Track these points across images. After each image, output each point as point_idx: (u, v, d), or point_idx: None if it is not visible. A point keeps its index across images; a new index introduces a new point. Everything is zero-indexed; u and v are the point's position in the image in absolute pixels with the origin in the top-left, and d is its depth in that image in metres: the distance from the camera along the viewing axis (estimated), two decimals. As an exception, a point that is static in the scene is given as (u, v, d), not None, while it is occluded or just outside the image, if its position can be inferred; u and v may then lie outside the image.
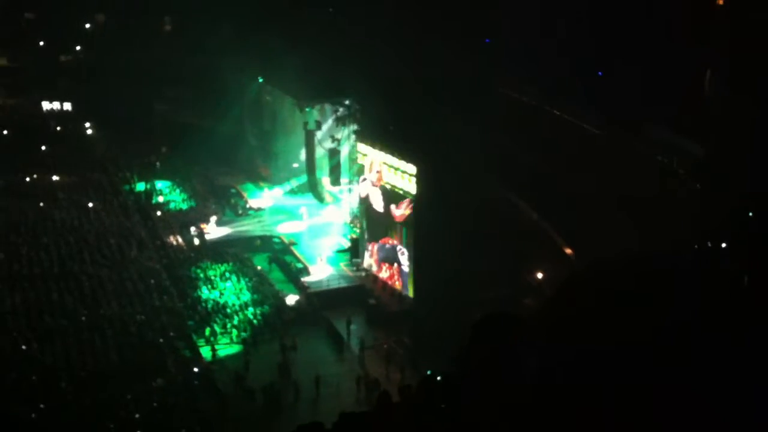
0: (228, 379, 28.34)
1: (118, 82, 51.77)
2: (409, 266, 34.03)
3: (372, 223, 36.51)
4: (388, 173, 34.52)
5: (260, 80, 46.78)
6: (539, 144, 33.97)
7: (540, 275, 31.92)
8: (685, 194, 29.58)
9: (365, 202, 36.59)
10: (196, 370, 28.32)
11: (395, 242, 34.99)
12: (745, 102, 26.92)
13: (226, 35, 45.75)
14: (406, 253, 34.20)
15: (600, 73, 34.99)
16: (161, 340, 29.90)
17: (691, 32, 29.46)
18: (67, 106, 58.02)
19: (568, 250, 31.95)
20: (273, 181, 46.76)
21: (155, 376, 27.42)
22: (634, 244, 26.16)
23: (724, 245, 26.07)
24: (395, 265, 35.07)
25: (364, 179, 36.31)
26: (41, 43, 62.17)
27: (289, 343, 30.53)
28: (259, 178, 48.25)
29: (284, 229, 41.86)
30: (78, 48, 62.65)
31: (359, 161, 36.68)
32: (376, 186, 35.47)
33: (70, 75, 59.26)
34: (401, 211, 34.18)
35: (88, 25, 63.55)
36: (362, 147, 36.33)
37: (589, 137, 34.04)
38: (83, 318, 31.22)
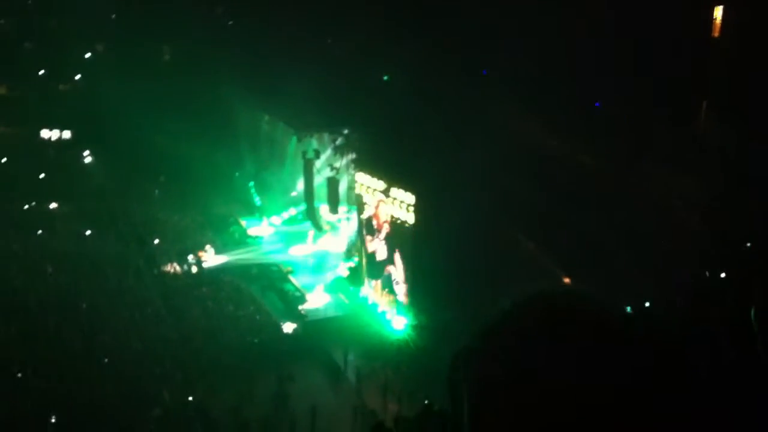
0: (223, 409, 28.15)
1: (117, 111, 51.92)
2: (406, 296, 33.98)
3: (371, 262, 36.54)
4: (386, 205, 34.58)
5: (265, 116, 46.99)
6: (538, 175, 34.02)
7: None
8: (684, 225, 29.59)
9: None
10: (191, 399, 28.16)
11: (391, 271, 34.98)
12: (741, 135, 27.03)
13: (225, 66, 46.04)
14: (401, 283, 34.18)
15: (597, 104, 35.12)
16: (158, 370, 29.77)
17: (689, 66, 29.61)
18: (66, 134, 58.17)
19: (567, 280, 31.89)
20: (271, 209, 46.81)
21: (152, 406, 27.27)
22: (631, 276, 26.16)
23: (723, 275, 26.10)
24: (391, 294, 35.06)
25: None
26: (41, 72, 62.37)
27: (285, 372, 30.38)
28: (258, 206, 48.31)
29: (293, 251, 41.83)
30: (77, 77, 62.89)
31: (357, 191, 36.77)
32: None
33: (69, 103, 59.41)
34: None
35: (88, 55, 63.82)
36: (361, 177, 36.44)
37: (586, 170, 34.10)
38: (79, 347, 31.13)
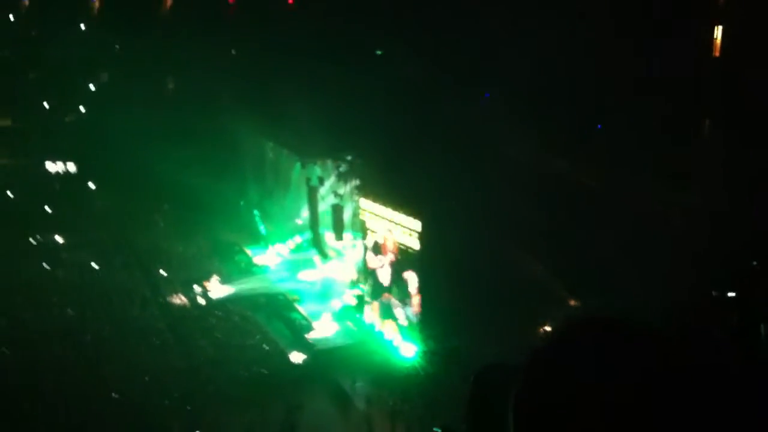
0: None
1: (122, 141, 52.15)
2: (406, 320, 33.89)
3: (374, 283, 36.47)
4: (390, 232, 34.55)
5: (269, 143, 47.13)
6: (543, 196, 33.97)
7: (547, 329, 31.67)
8: (689, 243, 29.47)
9: (373, 273, 36.49)
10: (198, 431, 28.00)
11: (389, 297, 34.90)
12: (745, 152, 26.99)
13: (228, 93, 46.22)
14: (399, 307, 34.10)
15: (600, 126, 35.16)
16: (166, 402, 29.61)
17: (690, 84, 29.65)
18: (71, 165, 58.40)
19: (573, 303, 31.75)
20: (276, 237, 46.79)
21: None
22: (638, 296, 25.99)
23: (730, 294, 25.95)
24: (392, 320, 34.95)
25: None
26: (45, 104, 62.76)
27: (294, 401, 30.20)
28: (263, 234, 48.29)
29: (300, 276, 41.67)
30: (82, 108, 63.26)
31: (362, 217, 36.74)
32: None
33: (74, 135, 59.72)
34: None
35: (92, 86, 64.23)
36: (365, 203, 36.43)
37: (590, 189, 34.05)
38: (85, 379, 31.01)
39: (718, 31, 30.73)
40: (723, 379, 1.72)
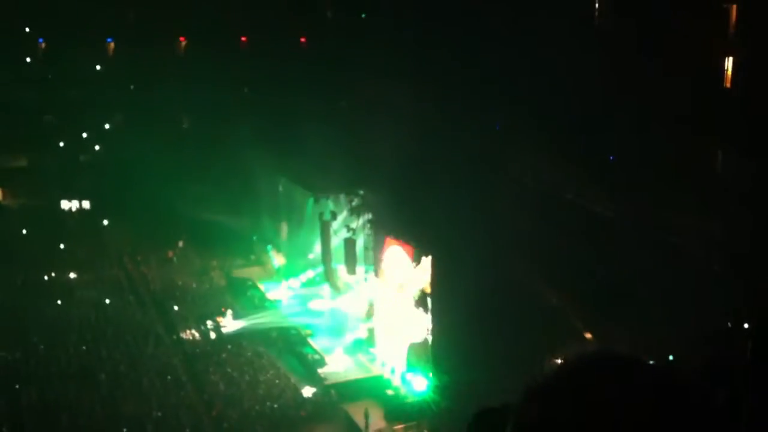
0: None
1: (136, 179, 52.55)
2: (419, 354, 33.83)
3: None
4: (403, 268, 34.58)
5: (282, 179, 47.38)
6: (557, 229, 33.83)
7: (560, 361, 31.32)
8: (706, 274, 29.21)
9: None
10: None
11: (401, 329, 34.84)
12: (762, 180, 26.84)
13: (242, 130, 46.58)
14: (412, 341, 34.12)
15: (612, 158, 35.08)
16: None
17: (704, 114, 29.61)
18: (86, 204, 58.80)
19: (588, 335, 31.47)
20: (289, 271, 46.78)
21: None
22: (653, 328, 25.75)
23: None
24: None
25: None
26: (60, 144, 63.36)
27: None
28: (276, 269, 48.30)
29: (313, 306, 41.64)
30: (97, 147, 63.84)
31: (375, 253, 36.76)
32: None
33: (89, 173, 60.20)
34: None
35: (107, 126, 64.87)
36: (379, 239, 36.45)
37: (606, 221, 33.88)
38: (100, 416, 30.96)
39: (729, 62, 30.78)
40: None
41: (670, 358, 25.47)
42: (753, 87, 29.10)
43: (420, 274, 33.48)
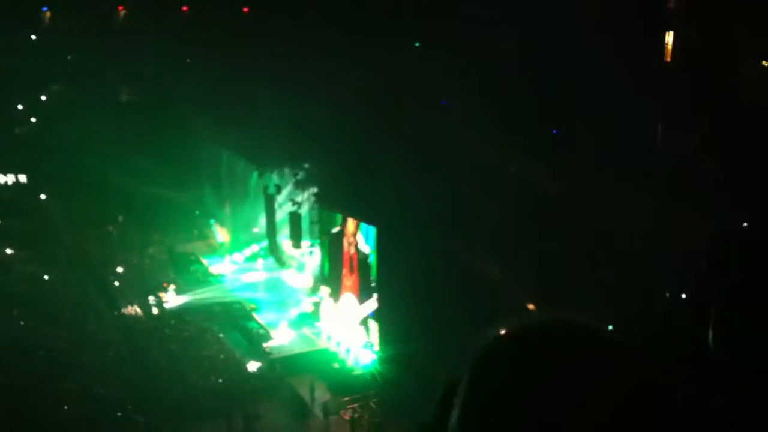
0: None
1: (74, 151, 51.35)
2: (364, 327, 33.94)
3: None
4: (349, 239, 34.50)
5: (226, 152, 46.79)
6: (500, 200, 34.07)
7: (503, 332, 31.67)
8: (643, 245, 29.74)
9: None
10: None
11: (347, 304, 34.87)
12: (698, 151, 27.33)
13: (185, 102, 45.77)
14: (357, 314, 34.16)
15: (555, 131, 35.35)
16: (119, 414, 29.10)
17: (644, 88, 29.98)
18: (22, 177, 57.33)
19: (531, 307, 31.82)
20: (233, 246, 46.38)
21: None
22: (593, 298, 26.14)
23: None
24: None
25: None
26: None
27: (251, 411, 29.86)
28: (219, 244, 47.84)
29: (257, 280, 41.29)
30: (33, 120, 62.14)
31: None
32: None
33: (25, 146, 58.58)
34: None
35: (44, 97, 63.16)
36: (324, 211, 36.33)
37: (549, 192, 34.20)
38: (39, 393, 30.37)
39: (669, 37, 31.19)
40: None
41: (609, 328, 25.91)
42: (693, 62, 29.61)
43: (364, 245, 33.46)
